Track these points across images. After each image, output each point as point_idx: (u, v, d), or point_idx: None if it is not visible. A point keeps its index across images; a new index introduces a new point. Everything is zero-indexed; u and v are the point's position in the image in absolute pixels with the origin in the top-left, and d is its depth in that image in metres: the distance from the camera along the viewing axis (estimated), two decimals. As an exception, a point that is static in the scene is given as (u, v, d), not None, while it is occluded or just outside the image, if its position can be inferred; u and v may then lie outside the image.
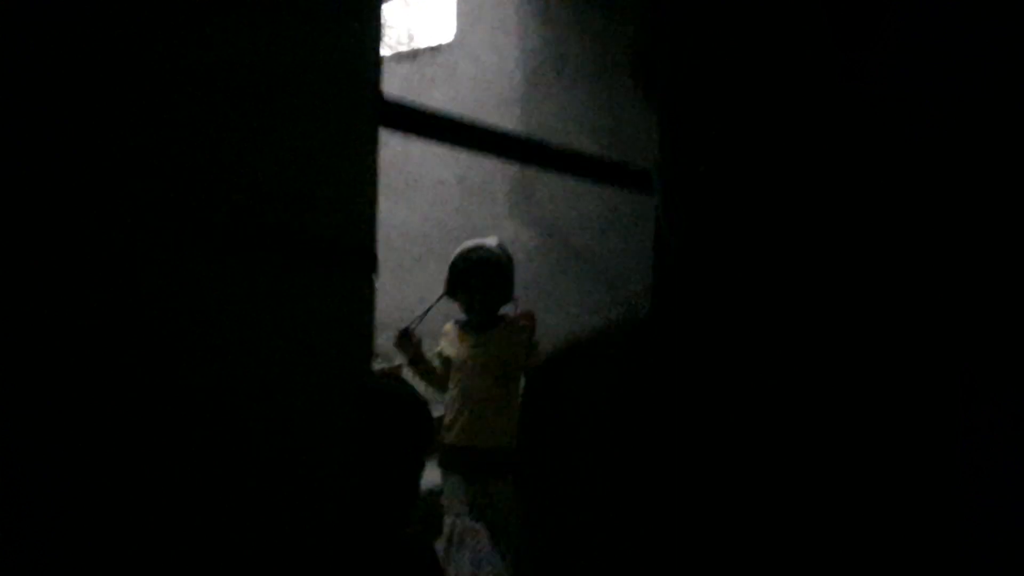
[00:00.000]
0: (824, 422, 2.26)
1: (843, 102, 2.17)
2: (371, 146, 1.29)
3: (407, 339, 2.31)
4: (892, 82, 2.11)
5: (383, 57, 1.39)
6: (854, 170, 2.18)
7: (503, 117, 3.30)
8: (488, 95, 3.36)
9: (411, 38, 4.36)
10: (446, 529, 2.23)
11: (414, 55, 3.92)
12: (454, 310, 2.48)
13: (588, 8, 2.90)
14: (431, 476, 2.21)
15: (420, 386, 2.25)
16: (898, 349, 2.10)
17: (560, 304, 2.98)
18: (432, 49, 3.77)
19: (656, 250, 2.22)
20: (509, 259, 2.36)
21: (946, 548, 1.98)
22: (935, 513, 2.01)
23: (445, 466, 2.31)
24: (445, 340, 2.36)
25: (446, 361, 2.28)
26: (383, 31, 1.31)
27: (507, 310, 2.39)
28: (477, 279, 2.31)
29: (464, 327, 2.35)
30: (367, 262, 1.26)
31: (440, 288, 2.37)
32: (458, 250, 2.37)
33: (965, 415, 1.94)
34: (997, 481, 1.88)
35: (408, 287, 3.25)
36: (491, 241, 2.38)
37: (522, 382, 2.34)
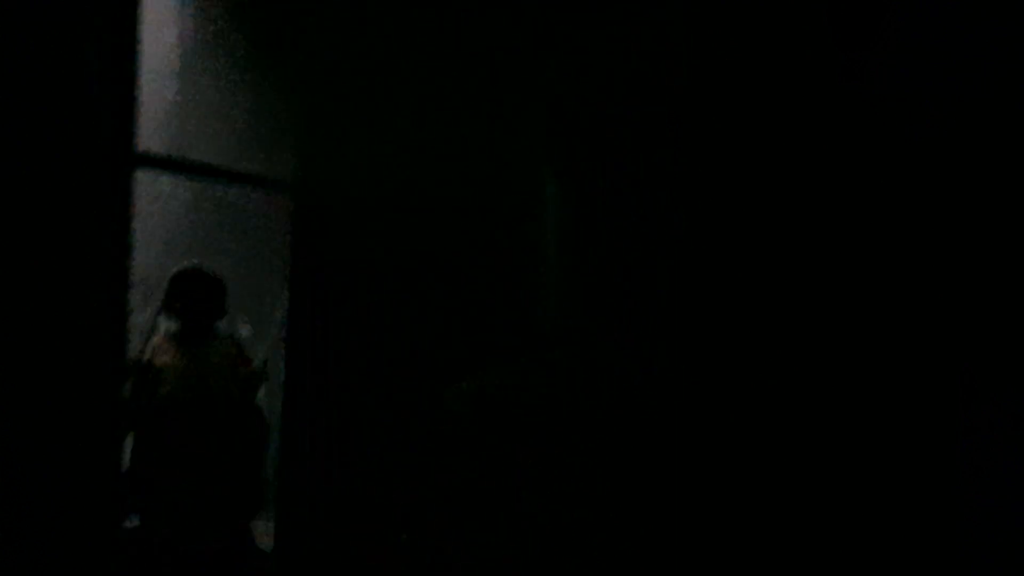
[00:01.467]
0: (824, 423, 2.26)
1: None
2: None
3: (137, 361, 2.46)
4: (889, 83, 2.11)
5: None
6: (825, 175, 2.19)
7: (167, 88, 3.61)
8: (152, 69, 3.64)
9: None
10: None
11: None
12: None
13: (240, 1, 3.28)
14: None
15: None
16: (898, 349, 2.10)
17: (210, 246, 3.47)
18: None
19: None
20: (222, 279, 2.58)
21: (946, 548, 1.98)
22: (935, 513, 2.01)
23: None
24: (158, 351, 2.46)
25: (157, 370, 2.32)
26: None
27: (220, 327, 2.66)
28: (193, 294, 2.47)
29: (177, 339, 2.47)
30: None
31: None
32: (175, 268, 2.55)
33: (965, 415, 1.94)
34: (997, 481, 1.88)
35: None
36: (207, 266, 2.62)
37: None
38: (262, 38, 3.27)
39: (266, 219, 3.33)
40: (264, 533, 2.72)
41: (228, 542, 2.43)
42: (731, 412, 2.43)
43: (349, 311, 2.68)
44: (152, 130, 3.63)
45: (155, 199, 3.57)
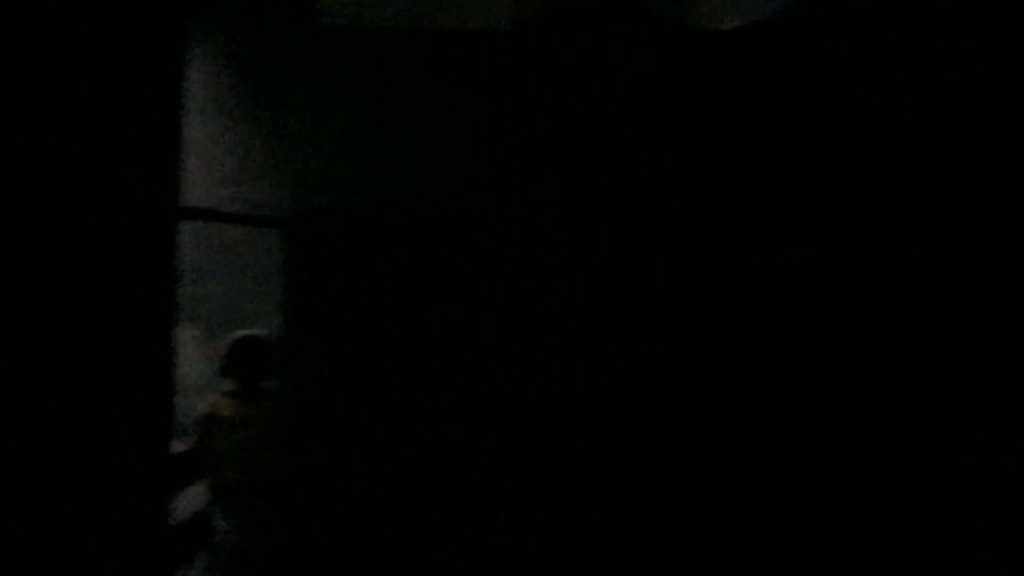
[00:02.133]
0: (824, 423, 2.26)
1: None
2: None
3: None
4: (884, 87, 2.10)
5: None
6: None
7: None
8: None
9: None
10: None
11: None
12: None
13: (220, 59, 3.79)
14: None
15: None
16: (899, 349, 2.10)
17: (208, 275, 3.81)
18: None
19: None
20: (271, 345, 3.23)
21: (946, 548, 1.98)
22: (935, 513, 2.01)
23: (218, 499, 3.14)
24: (217, 405, 3.16)
25: (217, 420, 3.14)
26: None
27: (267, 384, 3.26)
28: (245, 360, 3.17)
29: (233, 395, 3.18)
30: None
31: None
32: (233, 337, 3.20)
33: (965, 415, 1.94)
34: (997, 481, 1.88)
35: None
36: (260, 332, 3.29)
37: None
38: (252, 86, 3.70)
39: (256, 251, 3.78)
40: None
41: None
42: (731, 412, 2.44)
43: (343, 324, 3.06)
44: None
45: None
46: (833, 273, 2.27)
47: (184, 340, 3.70)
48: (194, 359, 3.67)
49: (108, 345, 1.68)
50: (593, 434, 2.63)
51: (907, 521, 2.09)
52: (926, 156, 2.05)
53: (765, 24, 2.40)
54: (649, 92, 2.58)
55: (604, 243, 2.70)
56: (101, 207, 1.68)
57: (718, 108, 2.51)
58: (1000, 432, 1.88)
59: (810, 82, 2.28)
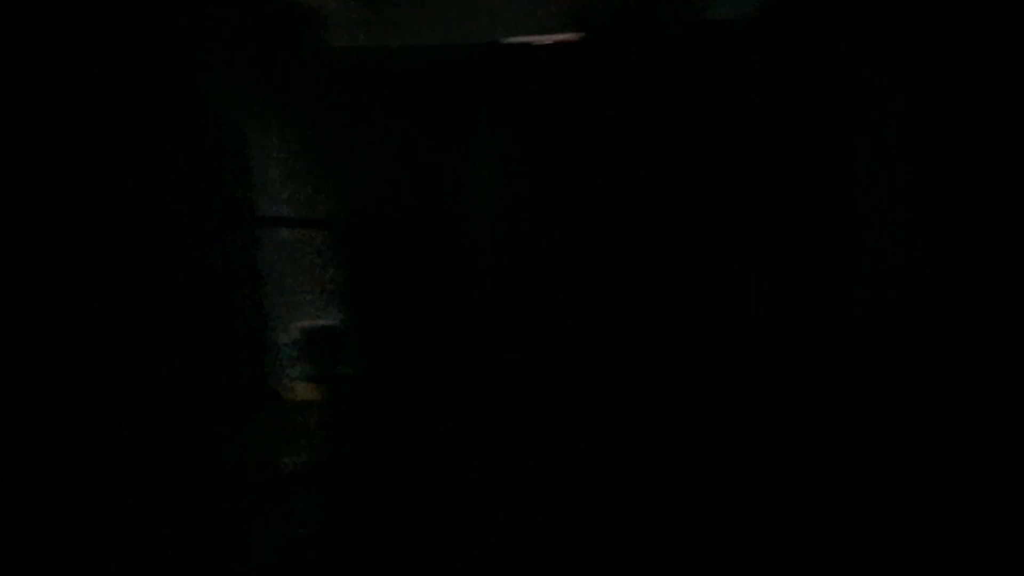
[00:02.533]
0: (824, 422, 2.27)
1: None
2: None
3: None
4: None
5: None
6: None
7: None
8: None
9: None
10: None
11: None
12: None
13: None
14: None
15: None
16: (898, 349, 2.10)
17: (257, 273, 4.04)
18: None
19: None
20: (342, 334, 3.28)
21: (946, 548, 1.98)
22: (935, 513, 2.01)
23: None
24: (294, 390, 3.33)
25: (292, 405, 3.23)
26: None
27: None
28: (321, 347, 3.19)
29: (309, 380, 3.22)
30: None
31: None
32: (307, 326, 3.28)
33: (965, 415, 1.95)
34: (997, 481, 1.88)
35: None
36: (330, 321, 3.39)
37: None
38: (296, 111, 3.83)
39: (304, 250, 3.88)
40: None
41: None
42: (730, 412, 2.44)
43: (388, 316, 3.18)
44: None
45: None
46: (832, 272, 2.27)
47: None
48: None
49: (205, 351, 1.71)
50: (593, 434, 2.64)
51: (907, 521, 2.09)
52: (928, 155, 2.05)
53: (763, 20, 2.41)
54: (652, 92, 2.59)
55: (604, 243, 2.70)
56: (195, 221, 1.72)
57: (719, 107, 2.51)
58: (1000, 432, 1.88)
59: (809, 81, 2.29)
